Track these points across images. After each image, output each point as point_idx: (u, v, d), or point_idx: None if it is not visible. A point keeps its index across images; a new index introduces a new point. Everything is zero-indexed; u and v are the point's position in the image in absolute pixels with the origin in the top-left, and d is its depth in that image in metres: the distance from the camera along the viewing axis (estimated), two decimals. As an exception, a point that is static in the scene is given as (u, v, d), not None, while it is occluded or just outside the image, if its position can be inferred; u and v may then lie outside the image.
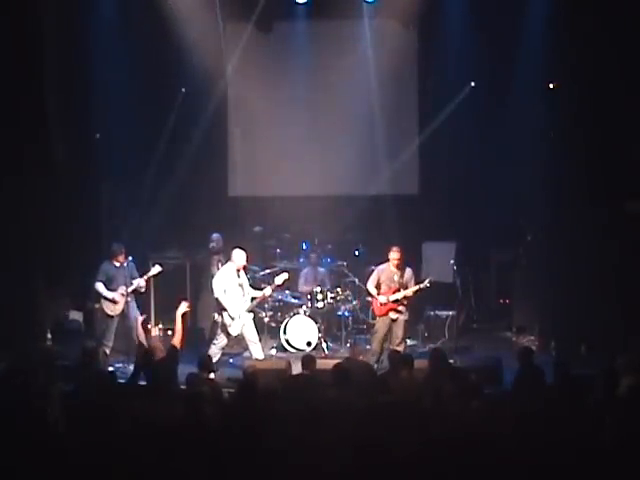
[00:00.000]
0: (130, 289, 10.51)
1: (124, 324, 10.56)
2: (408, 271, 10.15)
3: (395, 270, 10.08)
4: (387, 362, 9.76)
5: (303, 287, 12.02)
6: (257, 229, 12.67)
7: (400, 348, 10.03)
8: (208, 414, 6.14)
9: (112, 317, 10.51)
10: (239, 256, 10.13)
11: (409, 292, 10.06)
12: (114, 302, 10.44)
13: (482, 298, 12.77)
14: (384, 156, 13.13)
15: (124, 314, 10.52)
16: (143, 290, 10.80)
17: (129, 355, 10.30)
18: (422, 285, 10.12)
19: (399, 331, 10.10)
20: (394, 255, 10.04)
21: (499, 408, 6.39)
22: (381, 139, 13.11)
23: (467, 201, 12.62)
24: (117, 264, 10.56)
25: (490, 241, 12.77)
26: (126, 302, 10.51)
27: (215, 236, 11.43)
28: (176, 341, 8.19)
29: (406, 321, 10.22)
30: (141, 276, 10.64)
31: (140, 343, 9.20)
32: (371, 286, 10.20)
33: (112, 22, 12.31)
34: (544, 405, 6.59)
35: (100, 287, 10.46)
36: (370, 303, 10.68)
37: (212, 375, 8.86)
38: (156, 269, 10.74)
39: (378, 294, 10.11)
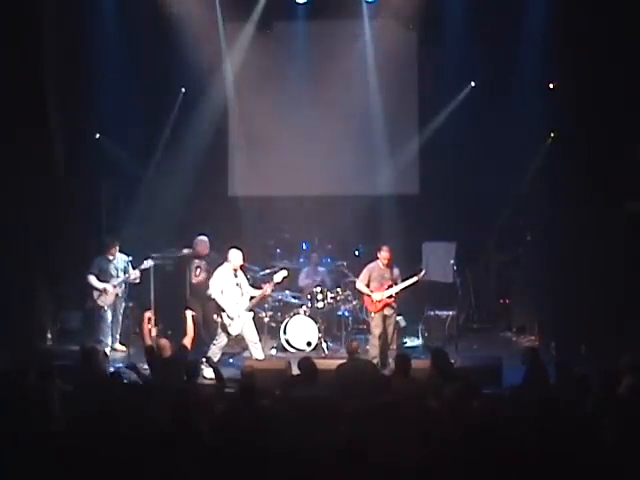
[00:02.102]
0: (120, 281, 10.88)
1: (113, 317, 11.05)
2: (396, 270, 10.37)
3: (385, 268, 10.28)
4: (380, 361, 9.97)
5: (304, 281, 12.04)
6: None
7: (394, 346, 10.27)
8: (204, 416, 6.14)
9: (104, 309, 10.88)
10: (235, 256, 10.09)
11: (404, 285, 10.25)
12: (105, 292, 10.82)
13: (482, 298, 12.76)
14: (384, 156, 13.13)
15: (114, 307, 10.98)
16: (137, 281, 11.04)
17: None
18: (419, 276, 10.30)
19: (390, 328, 10.30)
20: (384, 254, 10.25)
21: (500, 408, 6.39)
22: (381, 139, 13.11)
23: (467, 201, 12.61)
24: (110, 257, 10.96)
25: (490, 241, 12.76)
26: (116, 295, 10.94)
27: (199, 239, 11.09)
28: (187, 341, 8.32)
29: (397, 321, 10.44)
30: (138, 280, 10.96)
31: (146, 342, 9.21)
32: (361, 284, 10.38)
33: (113, 22, 12.31)
34: (548, 405, 6.59)
35: (92, 279, 10.87)
36: (362, 301, 10.83)
37: (211, 375, 8.88)
38: (149, 262, 10.89)
39: (372, 291, 10.27)
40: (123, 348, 11.11)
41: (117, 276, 10.92)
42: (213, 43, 12.82)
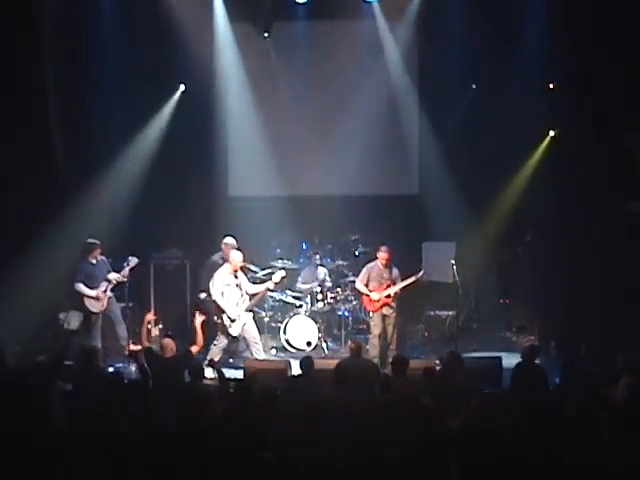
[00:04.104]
0: (111, 286, 10.60)
1: (108, 321, 10.72)
2: (395, 270, 10.44)
3: (384, 268, 10.36)
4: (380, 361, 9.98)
5: (302, 285, 12.04)
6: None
7: (393, 346, 10.33)
8: (205, 415, 6.14)
9: (97, 314, 10.61)
10: (236, 257, 10.10)
11: (403, 285, 10.32)
12: (97, 299, 10.52)
13: (482, 298, 12.75)
14: (384, 156, 13.12)
15: (107, 310, 10.66)
16: (125, 279, 10.79)
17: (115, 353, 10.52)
18: (417, 276, 10.36)
19: (389, 327, 10.36)
20: (383, 255, 10.33)
21: (499, 407, 6.40)
22: (381, 139, 13.10)
23: (467, 201, 12.60)
24: (94, 261, 10.63)
25: (490, 241, 12.75)
26: (108, 298, 10.63)
27: (226, 241, 10.93)
28: (194, 349, 8.46)
29: (397, 320, 10.43)
30: (117, 272, 10.66)
31: (143, 344, 9.10)
32: (360, 284, 10.47)
33: (112, 22, 12.30)
34: (546, 404, 6.60)
35: (81, 287, 10.52)
36: (362, 301, 10.88)
37: (212, 375, 8.88)
38: (134, 261, 10.70)
39: (370, 291, 10.32)
40: (138, 347, 10.89)
41: (103, 280, 10.55)
42: (213, 43, 12.82)
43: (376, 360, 9.83)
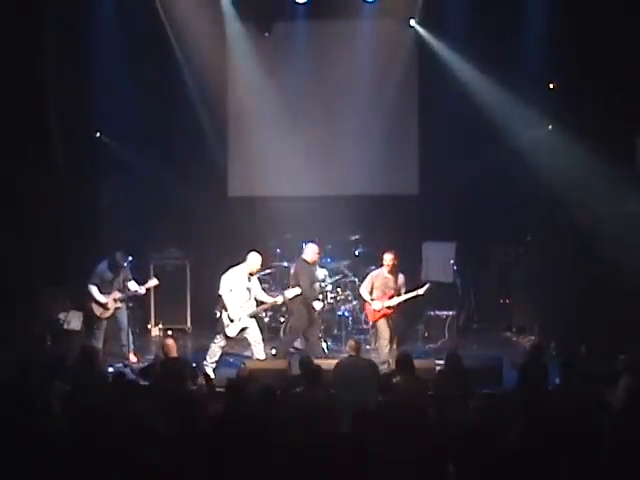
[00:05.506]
0: (123, 295, 10.55)
1: (113, 327, 10.65)
2: (401, 277, 10.19)
3: (389, 276, 10.12)
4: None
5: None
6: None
7: (394, 346, 10.16)
8: (202, 416, 6.15)
9: (101, 319, 10.56)
10: (255, 260, 9.95)
11: (406, 298, 10.11)
12: (104, 307, 10.47)
13: (482, 298, 12.74)
14: (384, 156, 13.11)
15: (114, 318, 10.60)
16: (143, 292, 10.83)
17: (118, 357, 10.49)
18: (420, 291, 10.15)
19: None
20: (388, 257, 10.06)
21: (500, 407, 6.40)
22: (381, 139, 13.10)
23: (467, 201, 12.60)
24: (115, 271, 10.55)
25: (490, 241, 12.75)
26: (117, 307, 10.56)
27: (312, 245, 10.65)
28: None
29: (397, 320, 10.31)
30: (140, 284, 10.65)
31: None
32: (364, 291, 10.25)
33: (113, 21, 12.31)
34: (548, 404, 6.61)
35: (94, 290, 10.46)
36: (364, 308, 10.73)
37: (211, 374, 8.89)
38: (154, 282, 10.78)
39: (372, 300, 10.13)
40: (135, 359, 10.78)
41: (118, 288, 10.52)
42: (213, 43, 12.82)
43: (385, 365, 9.59)
